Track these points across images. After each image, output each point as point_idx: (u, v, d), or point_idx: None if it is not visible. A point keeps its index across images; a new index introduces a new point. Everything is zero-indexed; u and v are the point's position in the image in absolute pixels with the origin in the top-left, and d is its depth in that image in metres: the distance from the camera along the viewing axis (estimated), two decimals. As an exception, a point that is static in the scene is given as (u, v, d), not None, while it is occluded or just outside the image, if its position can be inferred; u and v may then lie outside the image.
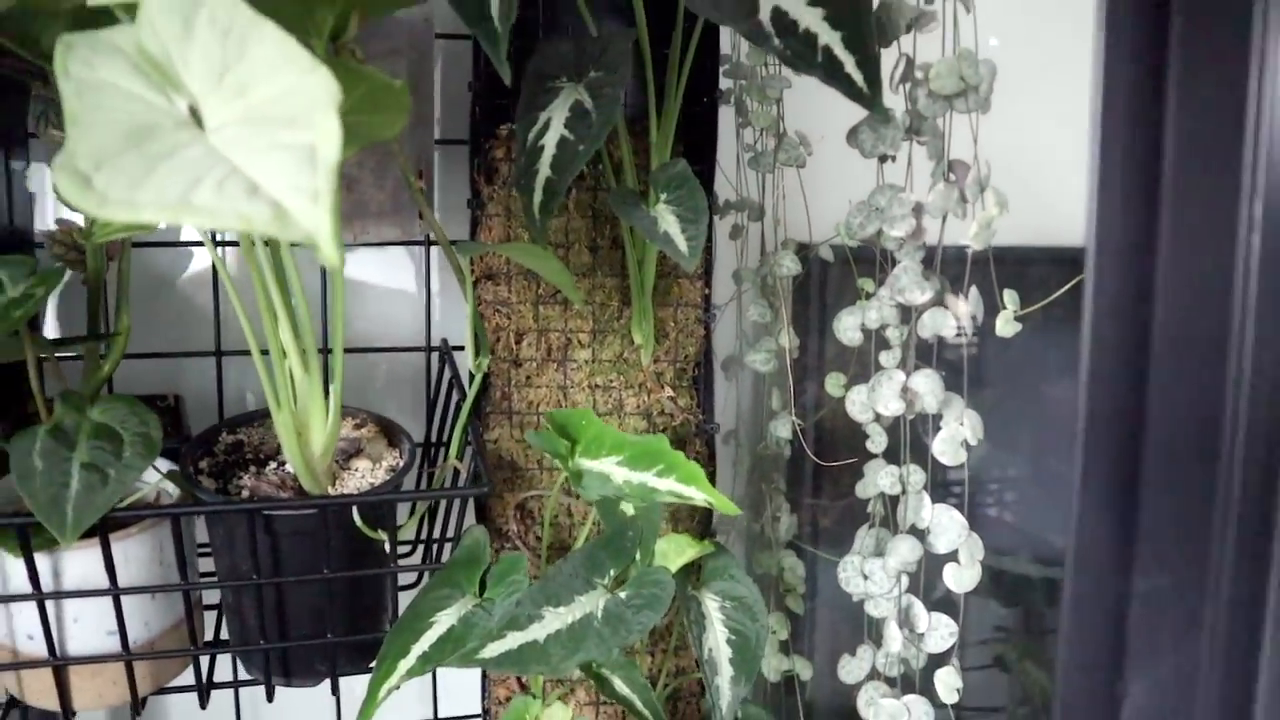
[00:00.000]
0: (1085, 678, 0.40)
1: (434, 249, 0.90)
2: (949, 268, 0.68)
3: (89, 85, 0.48)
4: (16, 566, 0.64)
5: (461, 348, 0.87)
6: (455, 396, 0.80)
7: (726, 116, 0.87)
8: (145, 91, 0.48)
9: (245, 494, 0.67)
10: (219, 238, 0.83)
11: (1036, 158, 0.88)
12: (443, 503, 0.74)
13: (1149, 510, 0.39)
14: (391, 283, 0.95)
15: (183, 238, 0.91)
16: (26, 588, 0.64)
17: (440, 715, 0.94)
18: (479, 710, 0.88)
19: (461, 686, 0.95)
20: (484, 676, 0.85)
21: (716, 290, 0.85)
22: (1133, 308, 0.39)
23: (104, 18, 0.57)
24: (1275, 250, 0.37)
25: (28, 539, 0.62)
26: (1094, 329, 0.39)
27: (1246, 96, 0.36)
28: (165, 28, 0.48)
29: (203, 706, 0.72)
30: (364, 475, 0.70)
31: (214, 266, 0.87)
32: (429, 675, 0.95)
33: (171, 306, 0.93)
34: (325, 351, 0.81)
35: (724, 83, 0.86)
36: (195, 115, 0.48)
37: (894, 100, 0.66)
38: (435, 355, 0.90)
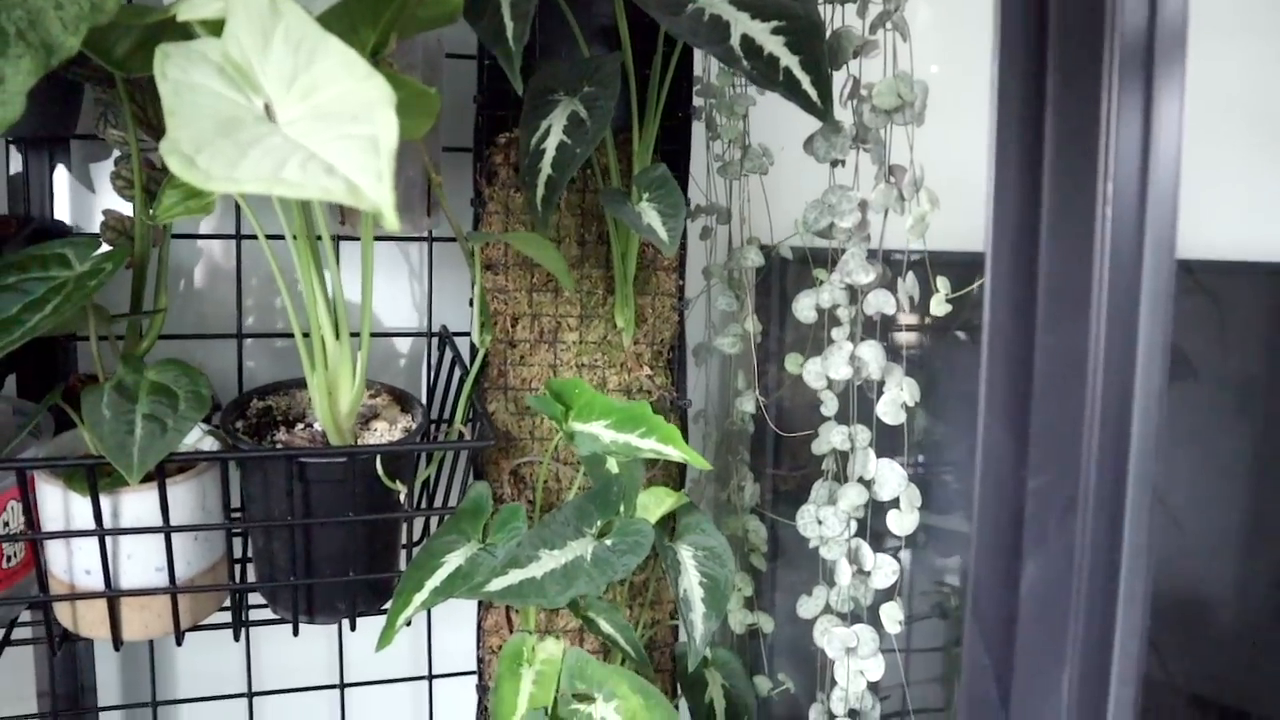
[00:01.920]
0: (992, 560, 0.52)
1: (433, 246, 1.01)
2: (893, 268, 0.80)
3: (185, 85, 0.58)
4: (80, 508, 0.73)
5: (460, 334, 0.98)
6: (458, 373, 0.90)
7: (698, 130, 0.98)
8: (229, 92, 0.59)
9: (281, 447, 0.77)
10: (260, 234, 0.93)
11: (976, 171, 1.00)
12: (448, 461, 0.84)
13: (1036, 421, 0.50)
14: (393, 274, 1.05)
15: (207, 231, 1.01)
16: (90, 525, 0.73)
17: (435, 673, 1.04)
18: (473, 668, 0.97)
19: (457, 646, 1.04)
20: (479, 629, 0.95)
21: (687, 287, 0.96)
22: (1022, 296, 0.51)
23: (172, 31, 0.67)
24: (1120, 261, 0.49)
25: (94, 479, 0.71)
26: (992, 315, 0.51)
27: (1098, 137, 0.48)
28: (248, 40, 0.58)
29: (236, 638, 0.81)
30: (382, 435, 0.80)
31: (237, 258, 0.97)
32: (425, 638, 1.05)
33: (191, 293, 1.03)
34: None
35: (696, 100, 0.98)
36: (269, 112, 0.58)
37: (843, 114, 0.77)
38: (435, 340, 1.00)
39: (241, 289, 0.97)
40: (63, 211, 0.98)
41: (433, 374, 1.00)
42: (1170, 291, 0.50)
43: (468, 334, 0.92)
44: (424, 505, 0.88)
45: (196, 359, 1.03)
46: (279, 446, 0.77)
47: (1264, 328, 1.40)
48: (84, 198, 1.01)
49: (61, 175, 0.98)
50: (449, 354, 0.93)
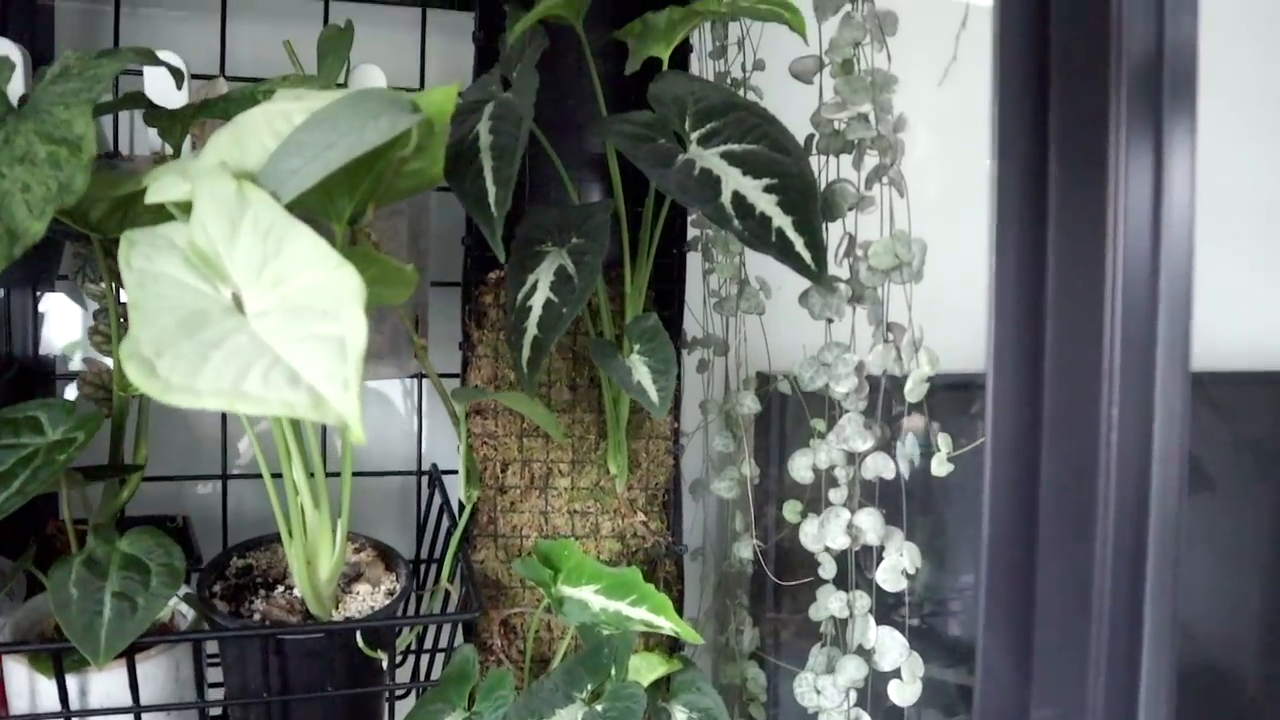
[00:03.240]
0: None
1: (424, 381, 0.98)
2: (893, 393, 0.77)
3: (149, 276, 0.56)
4: (46, 686, 0.70)
5: (449, 471, 0.95)
6: (445, 521, 0.87)
7: (694, 259, 0.96)
8: (196, 281, 0.57)
9: (258, 617, 0.74)
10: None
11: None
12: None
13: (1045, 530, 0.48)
14: (383, 412, 1.03)
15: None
16: (55, 706, 0.70)
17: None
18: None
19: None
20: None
21: (685, 417, 0.93)
22: (1027, 416, 0.49)
23: (143, 201, 0.65)
24: (1131, 373, 0.46)
25: (60, 663, 0.68)
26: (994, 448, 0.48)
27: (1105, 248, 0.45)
28: (215, 228, 0.56)
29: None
30: (364, 599, 0.77)
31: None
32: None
33: (177, 433, 1.00)
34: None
35: (693, 230, 0.96)
36: (238, 301, 0.56)
37: (839, 269, 0.75)
38: (425, 479, 0.97)
39: (227, 430, 0.95)
40: (52, 333, 0.96)
41: (422, 513, 0.97)
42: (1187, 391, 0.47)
43: (457, 471, 0.90)
44: (410, 664, 0.85)
45: (179, 501, 1.01)
46: (255, 617, 0.74)
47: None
48: (70, 327, 0.99)
49: (46, 305, 0.96)
50: (438, 498, 0.90)
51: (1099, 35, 0.46)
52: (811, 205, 0.69)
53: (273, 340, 0.53)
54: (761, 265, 0.96)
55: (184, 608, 0.78)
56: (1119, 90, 0.46)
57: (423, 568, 0.94)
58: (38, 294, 0.94)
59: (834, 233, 0.75)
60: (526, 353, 0.73)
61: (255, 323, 0.54)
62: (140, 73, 0.86)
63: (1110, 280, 0.46)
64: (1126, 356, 0.47)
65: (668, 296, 0.91)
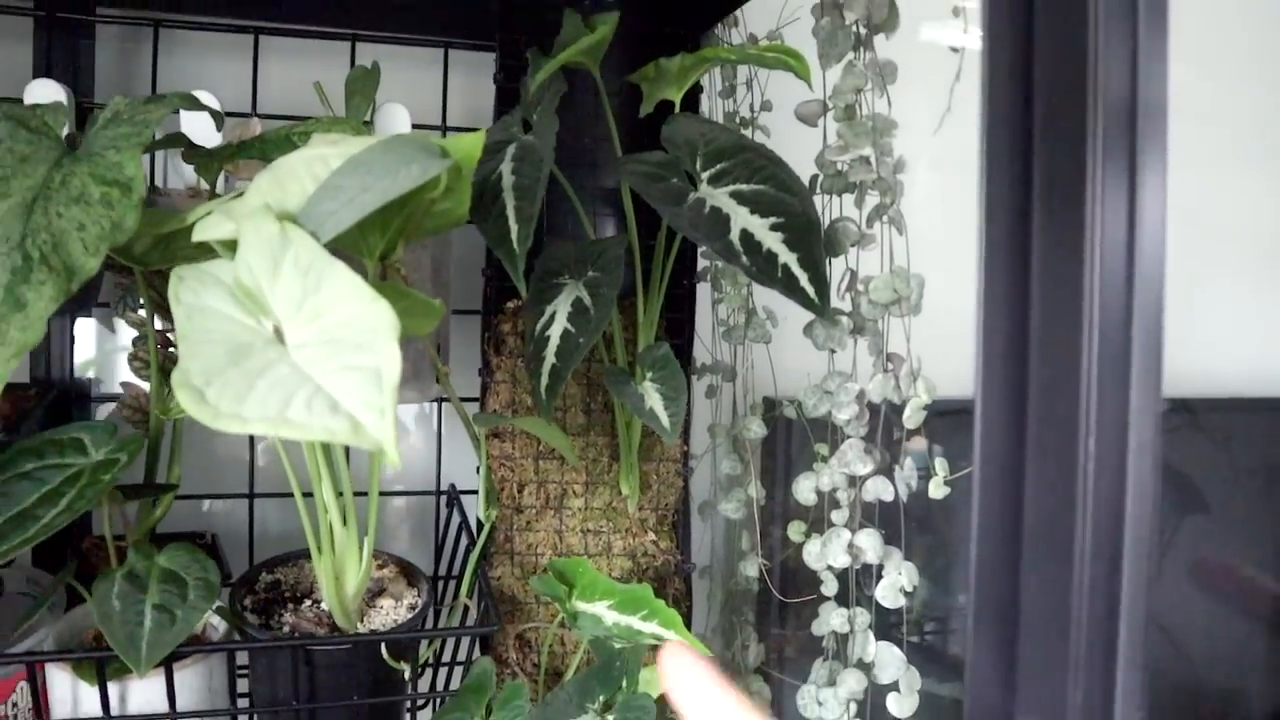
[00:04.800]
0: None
1: (442, 404, 1.02)
2: (893, 419, 0.81)
3: (197, 309, 0.60)
4: (89, 693, 0.74)
5: (467, 491, 0.99)
6: (464, 539, 0.91)
7: (704, 289, 1.01)
8: (240, 315, 0.61)
9: (287, 629, 0.78)
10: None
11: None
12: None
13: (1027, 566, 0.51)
14: (404, 433, 1.07)
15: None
16: (96, 712, 0.74)
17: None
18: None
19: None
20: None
21: (694, 440, 0.97)
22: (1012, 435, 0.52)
23: (187, 237, 0.69)
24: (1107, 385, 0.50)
25: (104, 673, 0.72)
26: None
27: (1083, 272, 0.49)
28: (258, 265, 0.60)
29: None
30: (388, 613, 0.81)
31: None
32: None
33: (201, 454, 1.05)
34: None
35: (701, 263, 1.00)
36: (279, 334, 0.60)
37: (841, 302, 0.79)
38: (444, 499, 1.01)
39: (254, 448, 0.99)
40: (85, 355, 1.00)
41: (441, 533, 1.01)
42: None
43: (475, 491, 0.94)
44: (430, 672, 0.89)
45: (208, 519, 1.05)
46: (285, 629, 0.78)
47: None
48: (107, 348, 1.03)
49: (82, 329, 1.00)
50: (456, 517, 0.94)
51: (1077, 81, 0.50)
52: (815, 243, 0.73)
53: (313, 370, 0.57)
54: (768, 296, 1.00)
55: (216, 620, 0.81)
56: (1095, 131, 0.49)
57: (441, 583, 0.98)
58: (75, 321, 0.98)
59: (836, 268, 0.79)
60: (545, 380, 0.77)
61: (296, 354, 0.58)
62: (178, 111, 0.90)
63: (1087, 311, 0.50)
64: (1103, 386, 0.50)
65: (678, 325, 0.95)
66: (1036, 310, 0.52)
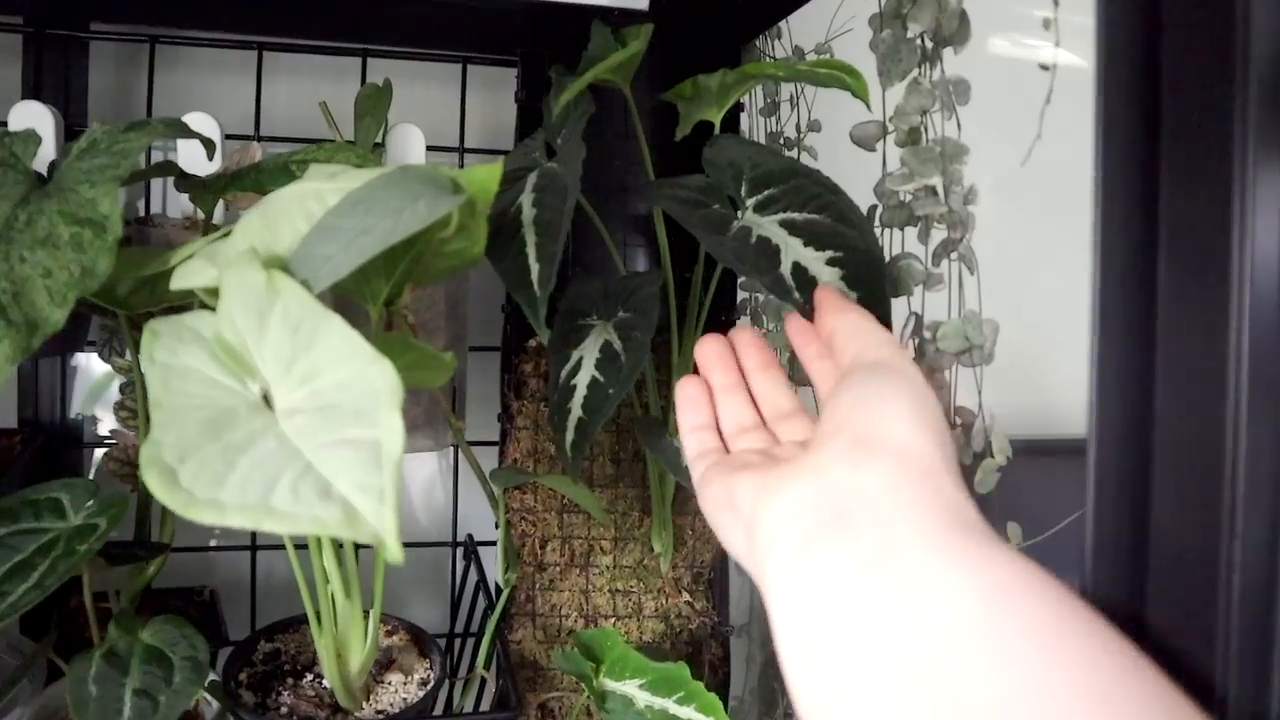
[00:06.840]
0: None
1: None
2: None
3: (174, 372, 0.52)
4: (64, 785, 0.67)
5: (486, 543, 0.91)
6: (481, 598, 0.83)
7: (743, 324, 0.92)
8: (222, 377, 0.53)
9: (285, 710, 0.70)
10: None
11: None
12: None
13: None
14: (417, 479, 0.99)
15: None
16: (72, 806, 0.66)
17: None
18: None
19: None
20: None
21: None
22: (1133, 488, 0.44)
23: (168, 282, 0.61)
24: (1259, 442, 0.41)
25: (78, 762, 0.65)
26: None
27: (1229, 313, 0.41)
28: (243, 320, 0.52)
29: None
30: (397, 690, 0.73)
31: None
32: None
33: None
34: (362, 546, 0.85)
35: (742, 293, 0.92)
36: (266, 398, 0.52)
37: (905, 349, 0.70)
38: (460, 550, 0.93)
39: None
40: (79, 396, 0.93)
41: (457, 586, 0.93)
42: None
43: (494, 543, 0.86)
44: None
45: (208, 574, 0.98)
46: (283, 710, 0.70)
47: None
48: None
49: (74, 366, 0.93)
50: (474, 573, 0.86)
51: (1222, 46, 0.41)
52: (879, 281, 0.65)
53: (303, 444, 0.49)
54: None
55: (210, 700, 0.74)
56: (1244, 110, 0.40)
57: (458, 641, 0.90)
58: (66, 362, 0.91)
59: (898, 309, 0.70)
60: (570, 436, 0.69)
61: (285, 422, 0.50)
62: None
63: (1233, 338, 0.41)
64: (1254, 417, 0.41)
65: (716, 365, 0.87)
66: (1164, 334, 0.44)
